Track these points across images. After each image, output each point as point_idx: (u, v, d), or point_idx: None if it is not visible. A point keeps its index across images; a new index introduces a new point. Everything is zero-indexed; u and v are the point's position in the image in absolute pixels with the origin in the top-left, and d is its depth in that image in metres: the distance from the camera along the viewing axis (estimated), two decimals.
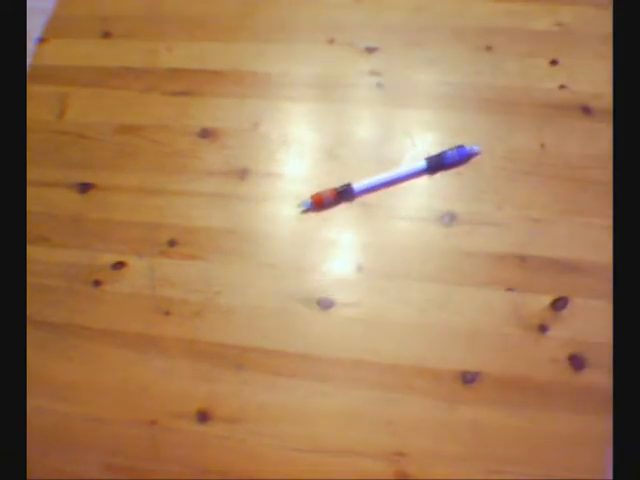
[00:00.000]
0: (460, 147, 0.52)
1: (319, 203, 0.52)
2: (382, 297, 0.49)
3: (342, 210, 0.53)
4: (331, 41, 0.61)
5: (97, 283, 0.52)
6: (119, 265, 0.53)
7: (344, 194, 0.52)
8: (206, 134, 0.58)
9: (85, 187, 0.57)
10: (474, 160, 0.53)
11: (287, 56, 0.61)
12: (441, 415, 0.44)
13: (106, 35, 0.65)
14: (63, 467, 0.46)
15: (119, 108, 0.60)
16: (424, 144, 0.54)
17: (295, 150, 0.56)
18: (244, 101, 0.59)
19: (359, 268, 0.50)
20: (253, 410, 0.46)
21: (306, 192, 0.54)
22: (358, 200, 0.53)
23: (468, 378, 0.45)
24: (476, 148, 0.53)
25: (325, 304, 0.49)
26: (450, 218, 0.51)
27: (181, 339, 0.49)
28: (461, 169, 0.53)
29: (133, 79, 0.62)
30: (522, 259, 0.49)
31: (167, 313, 0.50)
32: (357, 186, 0.52)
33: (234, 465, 0.44)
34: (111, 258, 0.53)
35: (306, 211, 0.52)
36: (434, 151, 0.54)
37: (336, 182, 0.53)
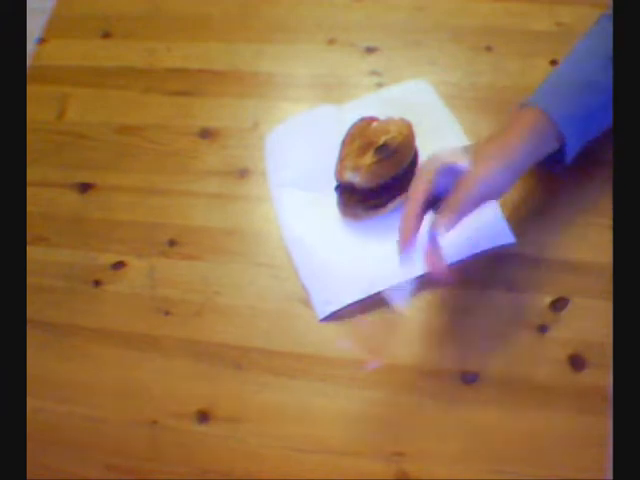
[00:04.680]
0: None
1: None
2: (382, 297, 0.48)
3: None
4: (331, 41, 0.61)
5: (97, 283, 0.52)
6: (119, 265, 0.53)
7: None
8: (206, 134, 0.58)
9: (85, 187, 0.57)
10: None
11: (287, 56, 0.61)
12: (441, 415, 0.44)
13: (106, 35, 0.65)
14: (63, 467, 0.46)
15: (119, 108, 0.60)
16: None
17: None
18: (244, 101, 0.59)
19: None
20: (253, 410, 0.46)
21: None
22: None
23: (468, 378, 0.45)
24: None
25: None
26: None
27: (181, 339, 0.49)
28: None
29: (133, 79, 0.62)
30: (522, 259, 0.49)
31: (167, 313, 0.50)
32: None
33: (234, 465, 0.44)
34: (111, 258, 0.53)
35: None
36: None
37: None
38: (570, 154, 0.46)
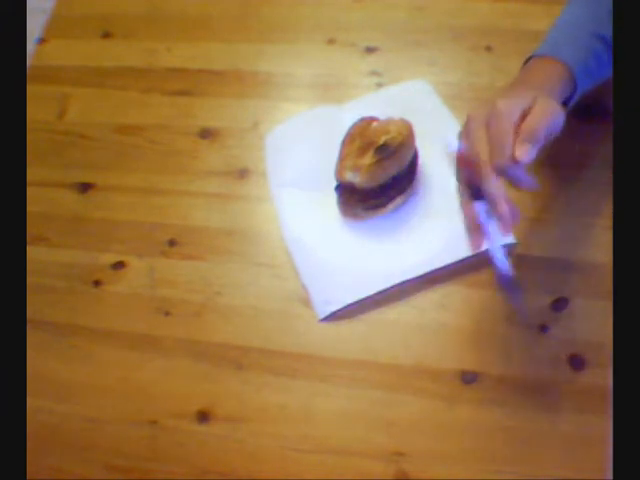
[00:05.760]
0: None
1: None
2: (382, 297, 0.49)
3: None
4: (331, 41, 0.61)
5: (97, 283, 0.52)
6: (119, 265, 0.53)
7: None
8: (206, 134, 0.58)
9: (85, 187, 0.57)
10: None
11: (287, 56, 0.61)
12: (441, 415, 0.44)
13: (106, 35, 0.65)
14: (63, 467, 0.46)
15: (119, 108, 0.60)
16: None
17: None
18: (244, 101, 0.59)
19: None
20: (253, 410, 0.46)
21: None
22: None
23: (468, 378, 0.45)
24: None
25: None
26: None
27: (181, 339, 0.49)
28: None
29: (133, 79, 0.62)
30: (522, 259, 0.49)
31: (167, 313, 0.50)
32: None
33: (234, 465, 0.44)
34: (111, 258, 0.53)
35: None
36: None
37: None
38: (576, 96, 0.46)
